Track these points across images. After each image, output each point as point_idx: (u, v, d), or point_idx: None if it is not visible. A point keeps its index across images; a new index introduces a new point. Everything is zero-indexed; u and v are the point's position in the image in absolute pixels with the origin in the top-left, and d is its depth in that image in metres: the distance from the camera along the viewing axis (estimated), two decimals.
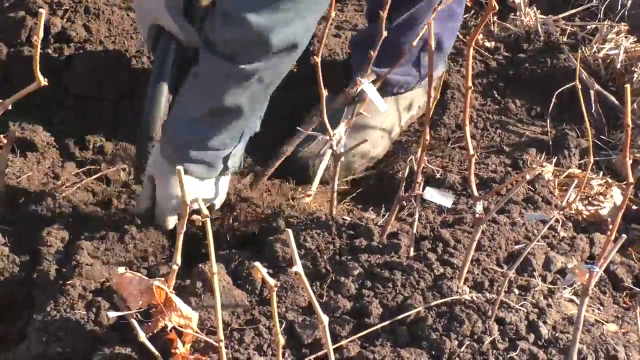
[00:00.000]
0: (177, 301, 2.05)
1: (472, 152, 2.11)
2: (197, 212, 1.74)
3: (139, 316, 2.08)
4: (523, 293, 2.29)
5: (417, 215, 2.38)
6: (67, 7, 3.26)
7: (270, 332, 2.15)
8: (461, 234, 2.45)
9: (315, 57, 2.32)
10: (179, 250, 1.93)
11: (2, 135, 2.59)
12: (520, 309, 2.20)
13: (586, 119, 2.31)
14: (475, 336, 2.14)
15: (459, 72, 3.39)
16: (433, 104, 2.18)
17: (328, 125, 2.45)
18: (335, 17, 3.63)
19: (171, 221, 2.53)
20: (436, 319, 2.17)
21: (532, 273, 2.37)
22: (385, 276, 2.27)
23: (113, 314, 2.08)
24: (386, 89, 3.12)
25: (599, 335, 2.20)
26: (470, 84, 2.01)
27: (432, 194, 2.44)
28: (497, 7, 1.83)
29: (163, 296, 2.05)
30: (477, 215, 2.17)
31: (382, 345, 2.14)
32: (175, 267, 1.98)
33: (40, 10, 1.69)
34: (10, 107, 1.92)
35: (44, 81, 1.79)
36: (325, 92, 2.38)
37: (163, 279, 2.06)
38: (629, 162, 1.89)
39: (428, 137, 2.23)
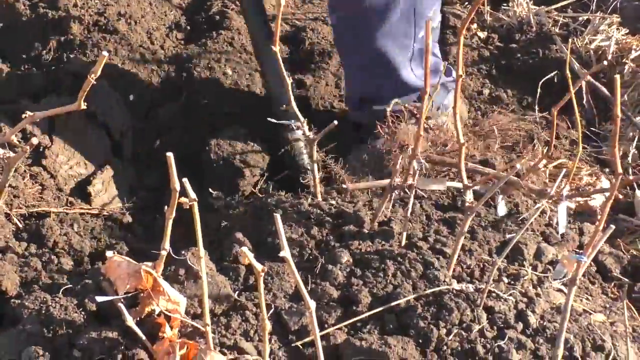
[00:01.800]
0: (165, 286, 2.05)
1: (462, 140, 2.11)
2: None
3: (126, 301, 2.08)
4: (513, 282, 2.29)
5: (410, 206, 2.38)
6: None
7: (257, 317, 2.15)
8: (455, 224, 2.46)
9: None
10: (167, 235, 1.92)
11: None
12: (509, 298, 2.20)
13: (576, 109, 2.31)
14: (464, 324, 2.13)
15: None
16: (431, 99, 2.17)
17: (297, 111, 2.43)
18: None
19: None
20: (425, 307, 2.17)
21: (522, 262, 2.37)
22: (375, 265, 2.27)
23: (101, 299, 2.07)
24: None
25: (587, 325, 2.20)
26: (461, 72, 2.01)
27: (425, 182, 2.44)
28: None
29: (151, 281, 2.04)
30: (467, 204, 2.18)
31: (370, 333, 2.14)
32: (164, 253, 1.98)
33: (104, 53, 1.80)
34: None
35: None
36: None
37: (151, 264, 2.06)
38: (618, 153, 1.89)
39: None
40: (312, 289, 2.23)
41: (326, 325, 2.15)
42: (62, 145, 2.67)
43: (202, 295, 1.88)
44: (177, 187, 1.78)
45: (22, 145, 2.29)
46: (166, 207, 1.85)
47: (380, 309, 2.16)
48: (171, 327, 2.03)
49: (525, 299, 2.22)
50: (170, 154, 1.73)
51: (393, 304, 2.16)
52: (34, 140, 2.18)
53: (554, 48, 3.43)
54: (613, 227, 1.98)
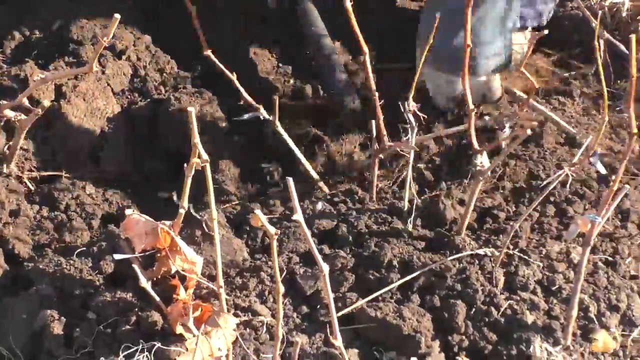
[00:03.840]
0: (182, 245, 2.05)
1: (471, 106, 2.10)
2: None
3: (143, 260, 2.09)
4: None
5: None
6: None
7: (272, 279, 2.15)
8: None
9: None
10: (186, 194, 1.92)
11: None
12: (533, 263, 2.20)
13: (601, 70, 2.27)
14: (480, 288, 2.14)
15: None
16: None
17: None
18: None
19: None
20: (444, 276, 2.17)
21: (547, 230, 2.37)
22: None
23: (118, 256, 2.07)
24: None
25: (605, 285, 2.20)
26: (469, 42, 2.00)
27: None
28: None
29: (168, 240, 2.04)
30: (477, 168, 2.17)
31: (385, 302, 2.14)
32: (182, 211, 1.98)
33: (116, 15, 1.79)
34: None
35: None
36: None
37: (169, 222, 2.06)
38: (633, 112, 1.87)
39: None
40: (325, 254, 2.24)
41: (341, 290, 2.16)
42: (71, 112, 2.66)
43: (217, 257, 1.88)
44: (198, 141, 1.76)
45: (33, 108, 2.28)
46: (185, 164, 1.84)
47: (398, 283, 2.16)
48: (186, 288, 2.03)
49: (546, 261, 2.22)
50: (191, 109, 1.73)
51: (412, 275, 2.16)
52: (46, 103, 2.17)
53: (570, 5, 3.39)
54: (628, 186, 1.97)
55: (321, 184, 2.54)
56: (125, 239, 2.13)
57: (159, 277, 2.08)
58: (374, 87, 2.29)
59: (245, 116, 2.50)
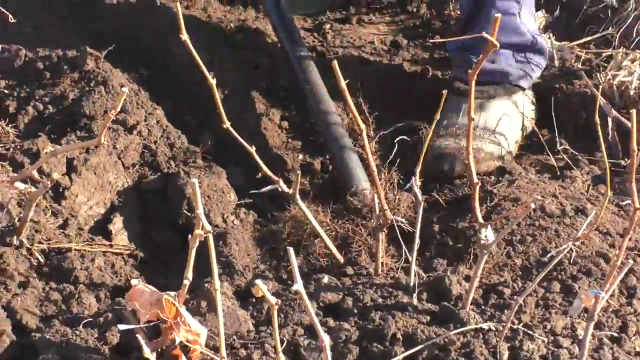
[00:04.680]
0: (187, 316, 2.06)
1: (475, 180, 2.12)
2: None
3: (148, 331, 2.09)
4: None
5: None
6: None
7: (275, 351, 2.15)
8: None
9: None
10: (190, 265, 1.94)
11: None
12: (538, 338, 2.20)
13: (603, 148, 2.30)
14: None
15: None
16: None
17: None
18: None
19: None
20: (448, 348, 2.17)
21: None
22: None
23: (122, 327, 2.08)
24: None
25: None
26: (473, 115, 2.03)
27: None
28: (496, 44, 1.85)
29: (173, 311, 2.05)
30: (481, 242, 2.18)
31: None
32: (187, 282, 1.99)
33: (124, 89, 1.76)
34: None
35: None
36: None
37: (174, 293, 2.07)
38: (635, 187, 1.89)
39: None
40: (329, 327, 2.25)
41: None
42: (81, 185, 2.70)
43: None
44: (201, 212, 1.79)
45: (43, 180, 2.32)
46: (190, 235, 1.86)
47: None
48: (189, 359, 2.04)
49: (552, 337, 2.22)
50: (194, 181, 1.75)
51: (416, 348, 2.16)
52: (55, 175, 2.21)
53: (578, 84, 3.43)
54: (631, 262, 1.98)
55: (339, 256, 2.55)
56: (132, 309, 2.15)
57: (164, 347, 2.09)
58: (373, 166, 2.32)
59: (264, 190, 2.51)
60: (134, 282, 2.12)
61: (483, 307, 2.33)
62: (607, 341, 2.25)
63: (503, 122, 3.17)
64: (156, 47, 3.44)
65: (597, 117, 2.33)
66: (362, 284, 2.41)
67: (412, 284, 2.36)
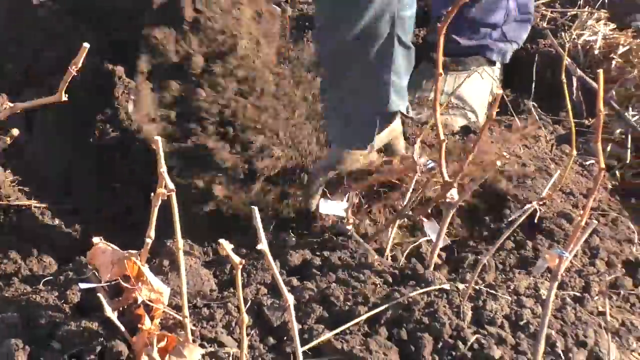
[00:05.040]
0: (149, 274, 2.03)
1: (442, 137, 2.11)
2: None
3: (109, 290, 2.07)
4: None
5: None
6: None
7: (239, 310, 2.14)
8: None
9: None
10: (152, 223, 1.91)
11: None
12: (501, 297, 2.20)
13: (569, 107, 2.29)
14: (447, 322, 2.13)
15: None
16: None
17: None
18: None
19: None
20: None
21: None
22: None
23: (84, 285, 2.06)
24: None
25: (572, 321, 2.19)
26: (441, 70, 2.01)
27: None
28: None
29: (135, 270, 2.03)
30: (448, 200, 2.17)
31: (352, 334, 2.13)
32: (149, 241, 1.96)
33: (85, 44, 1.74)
34: None
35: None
36: None
37: (135, 252, 2.04)
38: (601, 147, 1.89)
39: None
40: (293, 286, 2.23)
41: (308, 322, 2.15)
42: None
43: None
44: (165, 170, 1.75)
45: (3, 137, 2.27)
46: (152, 193, 1.83)
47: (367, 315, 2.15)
48: (152, 318, 2.02)
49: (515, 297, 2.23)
50: (158, 138, 1.72)
51: (378, 309, 2.15)
52: (14, 132, 2.16)
53: (543, 43, 3.42)
54: (596, 222, 1.98)
55: None
56: (93, 268, 2.12)
57: (126, 306, 2.06)
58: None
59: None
60: (95, 239, 2.09)
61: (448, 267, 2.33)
62: (570, 301, 2.26)
63: (474, 95, 3.17)
64: None
65: (563, 77, 2.30)
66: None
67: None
